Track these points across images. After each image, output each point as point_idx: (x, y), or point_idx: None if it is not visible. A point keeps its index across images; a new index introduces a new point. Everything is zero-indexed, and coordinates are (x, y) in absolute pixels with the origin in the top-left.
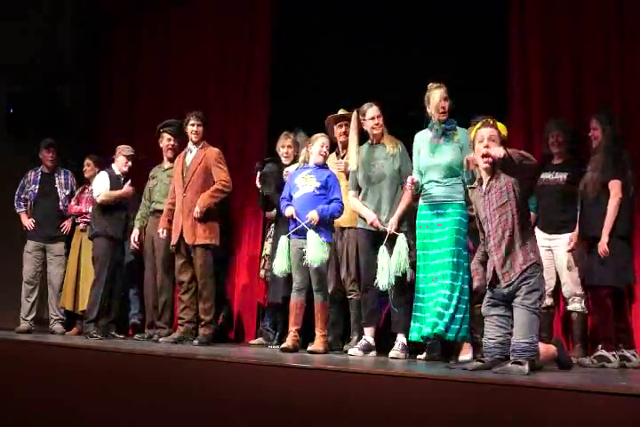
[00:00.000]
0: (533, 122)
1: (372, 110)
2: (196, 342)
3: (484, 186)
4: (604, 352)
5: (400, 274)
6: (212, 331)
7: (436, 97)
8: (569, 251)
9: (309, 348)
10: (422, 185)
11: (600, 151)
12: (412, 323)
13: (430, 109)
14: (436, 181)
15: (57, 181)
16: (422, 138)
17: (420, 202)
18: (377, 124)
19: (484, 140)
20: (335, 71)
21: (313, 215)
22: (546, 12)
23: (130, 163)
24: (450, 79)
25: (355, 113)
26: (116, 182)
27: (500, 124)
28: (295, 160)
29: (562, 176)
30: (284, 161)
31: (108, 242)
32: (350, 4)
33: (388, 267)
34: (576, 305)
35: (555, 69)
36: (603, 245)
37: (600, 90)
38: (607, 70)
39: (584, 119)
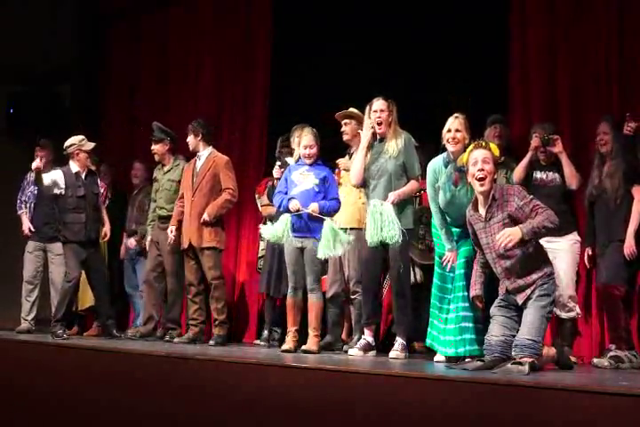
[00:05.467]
0: (534, 122)
1: (377, 104)
2: (211, 342)
3: (482, 211)
4: (618, 352)
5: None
6: (227, 331)
7: (446, 126)
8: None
9: (303, 347)
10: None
11: (616, 157)
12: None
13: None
14: (455, 224)
15: None
16: (437, 171)
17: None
18: (378, 118)
19: (478, 163)
20: (335, 71)
21: (314, 207)
22: (546, 13)
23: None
24: (451, 79)
25: (367, 108)
26: (74, 182)
27: (492, 145)
28: None
29: (555, 176)
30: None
31: (74, 246)
32: (350, 4)
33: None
34: (571, 314)
35: (554, 70)
36: (630, 248)
37: (599, 91)
38: (607, 72)
39: (583, 122)
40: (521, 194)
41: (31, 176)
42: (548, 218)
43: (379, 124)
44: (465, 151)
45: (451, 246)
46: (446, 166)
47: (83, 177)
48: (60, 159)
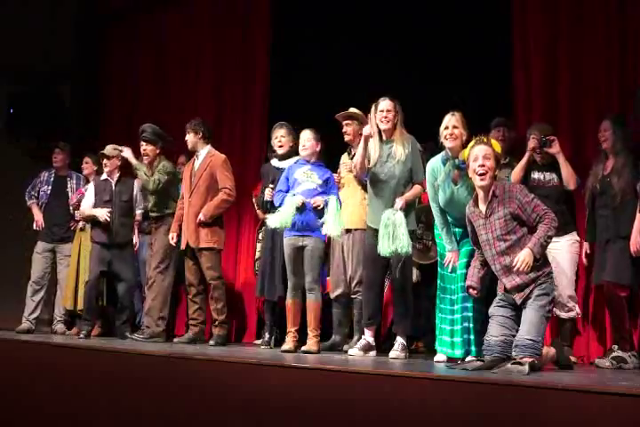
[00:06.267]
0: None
1: (383, 103)
2: (211, 342)
3: (482, 207)
4: (620, 353)
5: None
6: (227, 331)
7: (443, 122)
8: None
9: (303, 348)
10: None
11: (618, 154)
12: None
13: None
14: (456, 224)
15: (69, 185)
16: (436, 169)
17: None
18: (385, 118)
19: (479, 158)
20: (335, 71)
21: (318, 199)
22: (547, 14)
23: (117, 163)
24: (455, 79)
25: (373, 107)
26: (102, 190)
27: (493, 142)
28: (292, 150)
29: (553, 177)
30: (279, 151)
31: (97, 246)
32: (350, 4)
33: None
34: (571, 314)
35: (554, 71)
36: (636, 245)
37: (599, 92)
38: (607, 72)
39: (583, 122)
40: (523, 192)
41: (44, 176)
42: (550, 224)
43: (385, 122)
44: (464, 148)
45: (451, 247)
46: (444, 164)
47: (113, 184)
48: (74, 163)
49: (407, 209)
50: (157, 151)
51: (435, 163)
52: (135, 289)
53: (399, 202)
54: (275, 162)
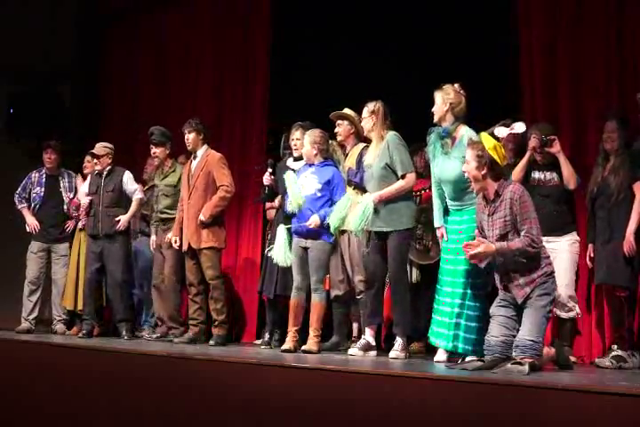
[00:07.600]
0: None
1: (364, 110)
2: (211, 342)
3: (485, 206)
4: (620, 352)
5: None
6: (227, 331)
7: None
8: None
9: (303, 348)
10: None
11: (619, 155)
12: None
13: None
14: (448, 195)
15: (62, 185)
16: (430, 142)
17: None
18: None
19: (465, 162)
20: (335, 71)
21: (315, 220)
22: (548, 15)
23: (108, 161)
24: (454, 81)
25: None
26: (92, 181)
27: (484, 139)
28: None
29: (553, 176)
30: (295, 153)
31: (89, 240)
32: (350, 4)
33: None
34: (571, 314)
35: (555, 71)
36: (629, 244)
37: (598, 92)
38: (608, 80)
39: (583, 122)
40: (526, 203)
41: (35, 177)
42: (526, 245)
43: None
44: (447, 121)
45: (439, 223)
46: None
47: (103, 176)
48: (74, 162)
49: (401, 205)
50: (167, 152)
51: (431, 135)
52: (125, 284)
53: (375, 197)
54: (289, 162)
